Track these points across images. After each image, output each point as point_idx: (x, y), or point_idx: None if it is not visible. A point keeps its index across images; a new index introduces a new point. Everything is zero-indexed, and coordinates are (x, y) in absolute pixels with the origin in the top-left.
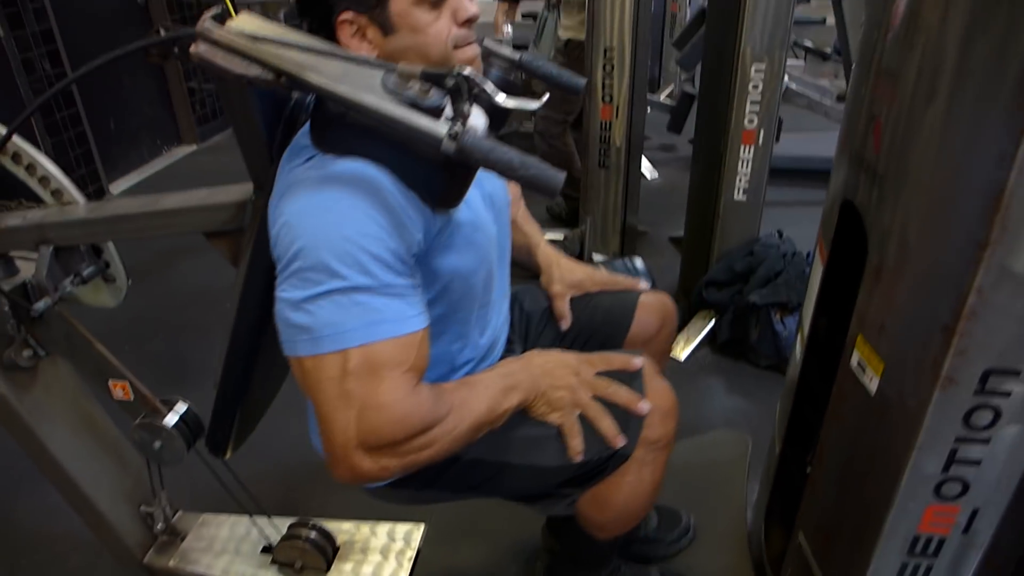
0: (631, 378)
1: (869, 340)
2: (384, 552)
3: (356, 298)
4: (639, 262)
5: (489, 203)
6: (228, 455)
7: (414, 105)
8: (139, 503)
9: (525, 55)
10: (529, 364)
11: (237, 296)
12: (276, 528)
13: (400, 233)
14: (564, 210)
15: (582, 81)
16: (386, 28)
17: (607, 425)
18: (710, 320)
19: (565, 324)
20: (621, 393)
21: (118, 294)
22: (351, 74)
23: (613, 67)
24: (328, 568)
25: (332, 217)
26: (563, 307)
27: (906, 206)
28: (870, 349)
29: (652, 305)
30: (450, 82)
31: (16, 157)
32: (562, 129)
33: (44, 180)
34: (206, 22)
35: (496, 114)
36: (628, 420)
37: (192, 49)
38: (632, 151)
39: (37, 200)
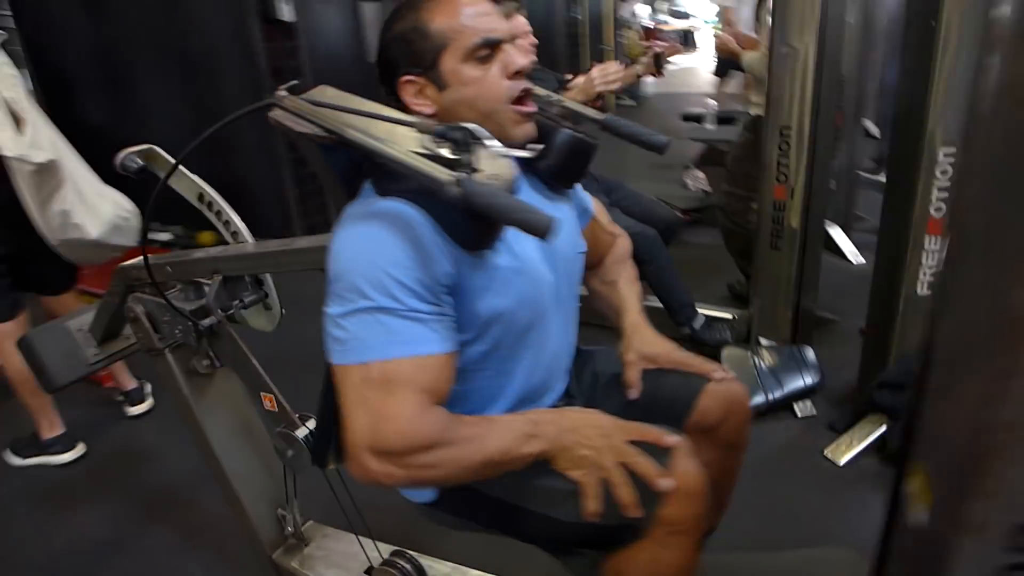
0: (659, 453)
1: (918, 467)
2: None
3: (380, 318)
4: (808, 352)
5: (548, 253)
6: (329, 467)
7: (442, 158)
8: (277, 506)
9: (609, 116)
10: (561, 418)
11: None
12: (381, 553)
13: (428, 264)
14: (745, 289)
15: (663, 139)
16: (440, 85)
17: (625, 492)
18: (880, 425)
19: (633, 394)
20: (644, 464)
21: (274, 320)
22: (395, 132)
23: (789, 146)
24: None
25: (368, 246)
26: (633, 376)
27: (954, 314)
28: (919, 476)
29: (718, 393)
30: (456, 135)
31: (210, 205)
32: (745, 206)
33: (227, 223)
34: (281, 92)
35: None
36: (648, 495)
37: (270, 114)
38: (810, 233)
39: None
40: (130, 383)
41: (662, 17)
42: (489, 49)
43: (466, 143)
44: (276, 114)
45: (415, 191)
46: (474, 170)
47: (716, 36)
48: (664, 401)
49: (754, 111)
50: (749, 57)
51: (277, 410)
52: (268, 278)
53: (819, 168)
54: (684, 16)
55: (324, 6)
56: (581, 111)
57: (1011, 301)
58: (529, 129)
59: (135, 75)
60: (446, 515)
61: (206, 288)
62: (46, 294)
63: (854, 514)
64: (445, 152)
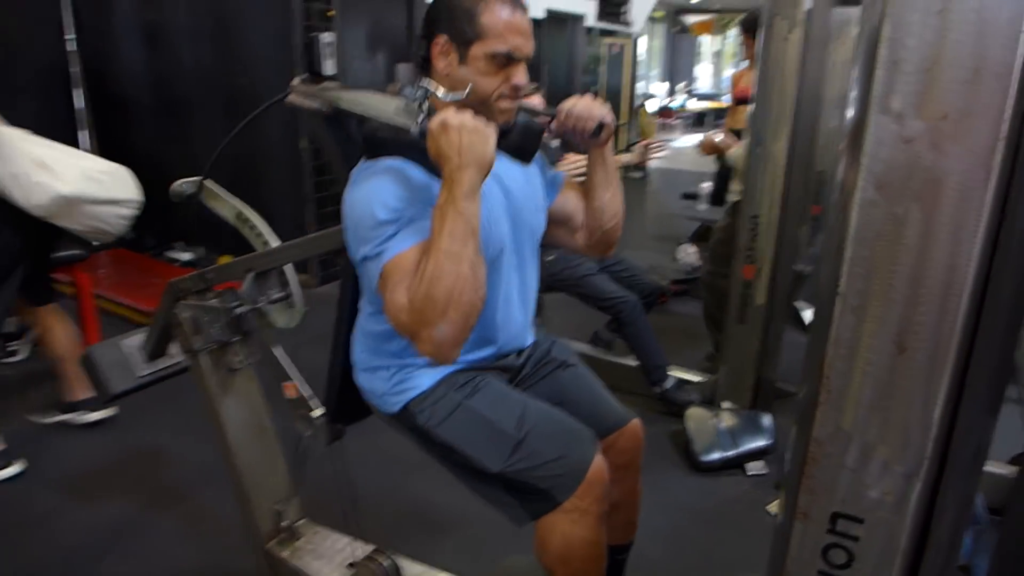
0: (586, 441)
1: (781, 484)
2: None
3: (390, 230)
4: (765, 418)
5: (508, 203)
6: (341, 426)
7: (408, 113)
8: (276, 501)
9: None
10: (448, 156)
11: (340, 285)
12: (364, 552)
13: (411, 189)
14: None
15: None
16: (462, 59)
17: None
18: None
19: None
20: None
21: (296, 317)
22: (376, 101)
23: (759, 232)
24: None
25: (369, 194)
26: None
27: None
28: (781, 490)
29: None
30: (416, 92)
31: (246, 221)
32: (725, 284)
33: (259, 235)
34: (295, 82)
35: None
36: (563, 479)
37: (288, 99)
38: (775, 311)
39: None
40: (84, 393)
41: (681, 98)
42: (507, 60)
43: (423, 97)
44: (292, 98)
45: (400, 148)
46: (429, 116)
47: (708, 136)
48: (582, 416)
49: (734, 198)
50: (733, 152)
51: (298, 397)
52: (293, 280)
53: (784, 253)
54: (704, 98)
55: (363, 63)
56: (533, 108)
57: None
58: (508, 117)
59: (184, 106)
60: (405, 430)
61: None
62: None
63: None
64: (410, 107)
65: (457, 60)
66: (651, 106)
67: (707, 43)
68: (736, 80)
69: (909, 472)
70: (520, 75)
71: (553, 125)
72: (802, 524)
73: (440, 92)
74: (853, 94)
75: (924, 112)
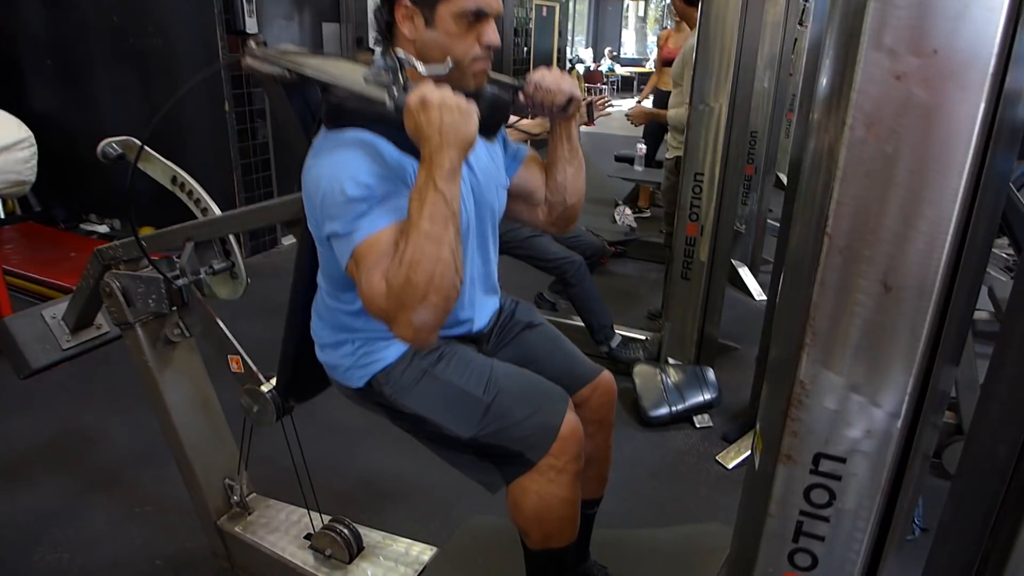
0: (557, 399)
1: (757, 432)
2: (396, 560)
3: (361, 207)
4: (709, 372)
5: (471, 181)
6: (294, 403)
7: (381, 85)
8: (225, 476)
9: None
10: (428, 138)
11: (296, 260)
12: (322, 522)
13: (383, 165)
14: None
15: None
16: (428, 22)
17: None
18: None
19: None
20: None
21: (239, 289)
22: (345, 70)
23: (702, 189)
24: (349, 561)
25: (340, 167)
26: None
27: (777, 335)
28: (757, 437)
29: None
30: (390, 61)
31: (183, 186)
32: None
33: (197, 201)
34: (251, 43)
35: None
36: (535, 439)
37: (242, 61)
38: (716, 268)
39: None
40: None
41: (607, 63)
42: (476, 18)
43: (399, 68)
44: (248, 62)
45: (368, 120)
46: (405, 89)
47: (635, 107)
48: (553, 374)
49: (672, 153)
50: (674, 113)
51: (243, 371)
52: (236, 251)
53: (726, 210)
54: (630, 63)
55: (287, 22)
56: (500, 79)
57: (803, 308)
58: (481, 81)
59: (90, 69)
60: (371, 404)
61: (176, 260)
62: None
63: (735, 505)
64: (383, 79)
65: (423, 23)
66: (580, 69)
67: (632, 8)
68: (663, 40)
69: (892, 410)
70: (491, 33)
71: (520, 98)
72: (785, 467)
73: (420, 66)
74: (836, 33)
75: (916, 48)
